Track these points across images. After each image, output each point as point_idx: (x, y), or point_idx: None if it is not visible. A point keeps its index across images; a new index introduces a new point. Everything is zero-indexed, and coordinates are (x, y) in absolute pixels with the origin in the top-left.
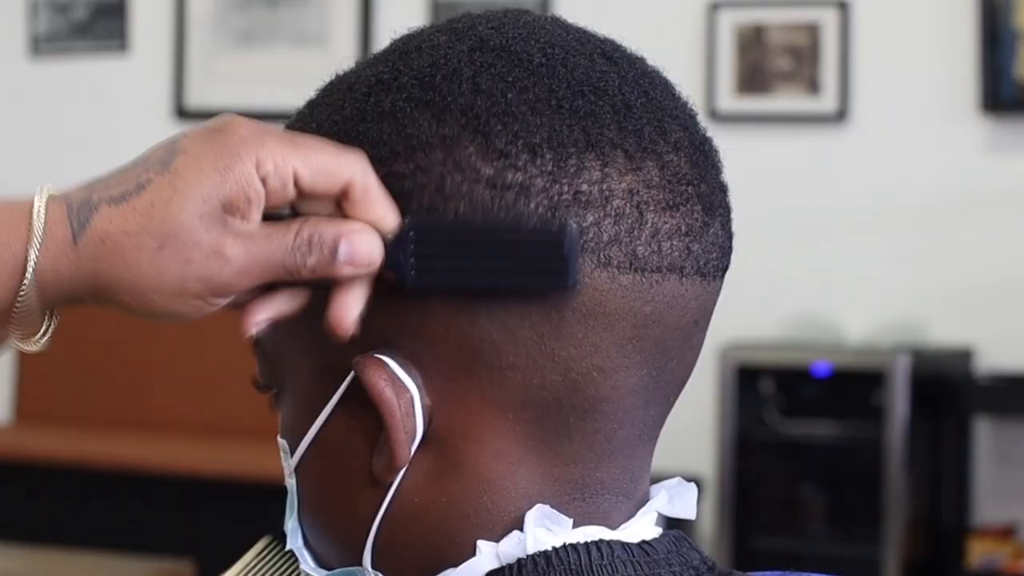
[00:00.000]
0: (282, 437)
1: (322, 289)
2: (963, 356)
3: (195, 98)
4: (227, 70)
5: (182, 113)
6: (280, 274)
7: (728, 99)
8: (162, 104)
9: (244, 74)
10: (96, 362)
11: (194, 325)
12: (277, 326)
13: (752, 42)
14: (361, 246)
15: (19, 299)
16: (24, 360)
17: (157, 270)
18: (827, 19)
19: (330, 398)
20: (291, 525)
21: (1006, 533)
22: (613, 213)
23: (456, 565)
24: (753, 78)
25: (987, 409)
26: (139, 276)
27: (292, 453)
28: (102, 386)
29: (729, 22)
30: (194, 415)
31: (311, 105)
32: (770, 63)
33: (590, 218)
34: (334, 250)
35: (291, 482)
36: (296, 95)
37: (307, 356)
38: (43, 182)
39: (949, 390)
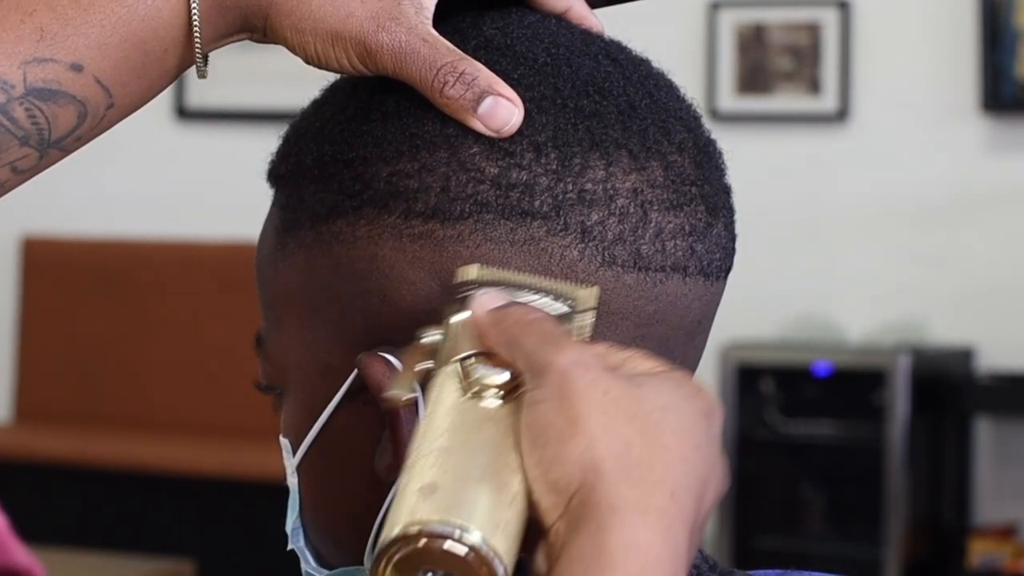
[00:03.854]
0: (284, 436)
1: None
2: (963, 356)
3: (195, 98)
4: (227, 70)
5: (182, 113)
6: (415, 82)
7: (728, 99)
8: (162, 104)
9: (244, 74)
10: (96, 362)
11: (194, 325)
12: (281, 326)
13: (752, 42)
14: (503, 111)
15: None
16: (24, 360)
17: (322, 14)
18: (827, 19)
19: (333, 396)
20: (293, 524)
21: (1006, 533)
22: (617, 212)
23: None
24: (753, 78)
25: (987, 409)
26: (306, 14)
27: (294, 452)
28: (102, 386)
29: (729, 22)
30: (194, 415)
31: (315, 104)
32: (770, 63)
33: (595, 216)
34: (479, 97)
35: (293, 481)
36: (296, 95)
37: (310, 354)
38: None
39: (949, 390)
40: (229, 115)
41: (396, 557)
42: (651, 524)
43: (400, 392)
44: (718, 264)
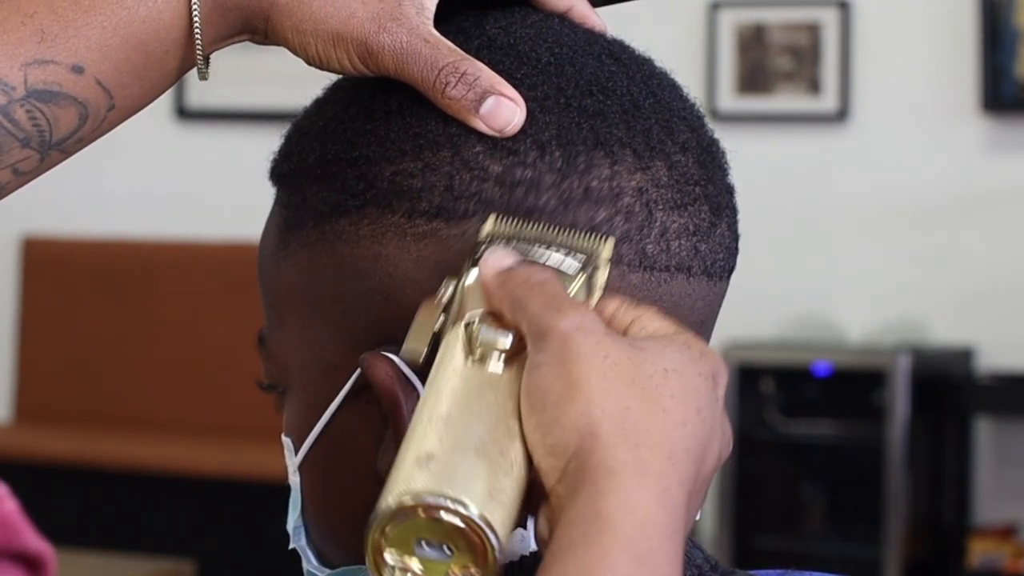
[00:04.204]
0: (286, 435)
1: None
2: (963, 356)
3: (195, 98)
4: (227, 70)
5: (182, 113)
6: (417, 83)
7: (729, 99)
8: (162, 104)
9: (244, 74)
10: (96, 362)
11: (194, 325)
12: (283, 325)
13: (752, 42)
14: (505, 111)
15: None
16: (24, 360)
17: (323, 15)
18: (827, 19)
19: (336, 396)
20: (294, 523)
21: (1006, 533)
22: (623, 210)
23: None
24: (754, 78)
25: (987, 409)
26: (307, 15)
27: (297, 451)
28: (102, 386)
29: (729, 22)
30: (194, 415)
31: (318, 103)
32: (771, 63)
33: (602, 214)
34: (480, 97)
35: (295, 480)
36: (296, 95)
37: (313, 353)
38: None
39: (949, 390)
40: (229, 115)
41: (391, 526)
42: (648, 487)
43: (416, 347)
44: (721, 264)
